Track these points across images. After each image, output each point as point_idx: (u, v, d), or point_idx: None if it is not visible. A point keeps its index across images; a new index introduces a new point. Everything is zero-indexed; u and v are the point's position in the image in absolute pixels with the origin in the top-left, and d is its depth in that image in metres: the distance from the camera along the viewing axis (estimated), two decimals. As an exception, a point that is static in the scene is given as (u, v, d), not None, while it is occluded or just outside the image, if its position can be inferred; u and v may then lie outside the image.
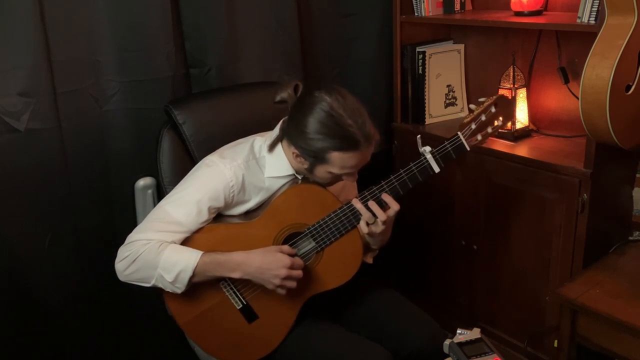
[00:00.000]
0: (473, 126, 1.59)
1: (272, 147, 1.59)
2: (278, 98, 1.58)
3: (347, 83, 2.36)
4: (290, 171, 1.60)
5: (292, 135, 1.53)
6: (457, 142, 1.57)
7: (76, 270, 1.94)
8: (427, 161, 1.55)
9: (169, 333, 2.09)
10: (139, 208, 1.87)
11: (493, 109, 1.60)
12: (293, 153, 1.55)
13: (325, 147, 1.47)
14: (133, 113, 1.94)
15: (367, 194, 1.56)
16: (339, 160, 1.49)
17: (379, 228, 1.55)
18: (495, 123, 1.62)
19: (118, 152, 1.95)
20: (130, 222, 1.80)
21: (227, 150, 1.63)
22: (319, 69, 2.36)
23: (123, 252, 1.51)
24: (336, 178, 1.57)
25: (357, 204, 1.54)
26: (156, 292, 1.91)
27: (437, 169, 1.56)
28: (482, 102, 1.64)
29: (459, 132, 1.58)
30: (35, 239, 1.85)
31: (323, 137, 1.46)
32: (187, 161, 1.79)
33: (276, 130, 1.62)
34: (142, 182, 1.85)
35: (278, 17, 2.17)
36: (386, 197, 1.55)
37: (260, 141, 1.64)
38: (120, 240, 1.56)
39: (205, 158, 1.61)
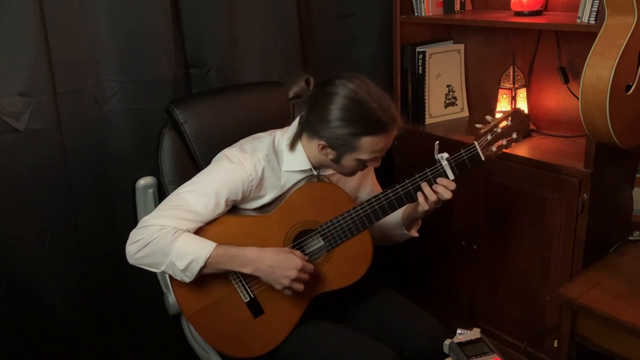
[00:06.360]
0: (489, 137, 1.59)
1: (292, 145, 1.60)
2: (292, 94, 1.59)
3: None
4: (308, 165, 1.60)
5: (316, 127, 1.53)
6: (472, 151, 1.58)
7: (76, 270, 1.94)
8: (443, 168, 1.57)
9: (168, 333, 2.11)
10: (139, 207, 1.87)
11: (508, 122, 1.60)
12: (318, 145, 1.54)
13: (354, 133, 1.48)
14: (133, 113, 1.94)
15: (389, 191, 1.57)
16: (369, 145, 1.50)
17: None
18: (511, 136, 1.62)
19: (118, 152, 1.95)
20: (130, 221, 1.79)
21: (247, 144, 1.63)
22: (319, 68, 2.36)
23: (136, 235, 1.50)
24: (361, 166, 1.58)
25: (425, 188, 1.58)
26: (156, 292, 1.92)
27: (451, 177, 1.58)
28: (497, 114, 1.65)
29: (475, 142, 1.58)
30: (35, 239, 1.85)
31: (351, 124, 1.47)
32: (188, 160, 1.79)
33: (294, 125, 1.62)
34: (143, 181, 1.85)
35: (278, 17, 2.17)
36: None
37: (280, 135, 1.64)
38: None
39: (225, 150, 1.61)
